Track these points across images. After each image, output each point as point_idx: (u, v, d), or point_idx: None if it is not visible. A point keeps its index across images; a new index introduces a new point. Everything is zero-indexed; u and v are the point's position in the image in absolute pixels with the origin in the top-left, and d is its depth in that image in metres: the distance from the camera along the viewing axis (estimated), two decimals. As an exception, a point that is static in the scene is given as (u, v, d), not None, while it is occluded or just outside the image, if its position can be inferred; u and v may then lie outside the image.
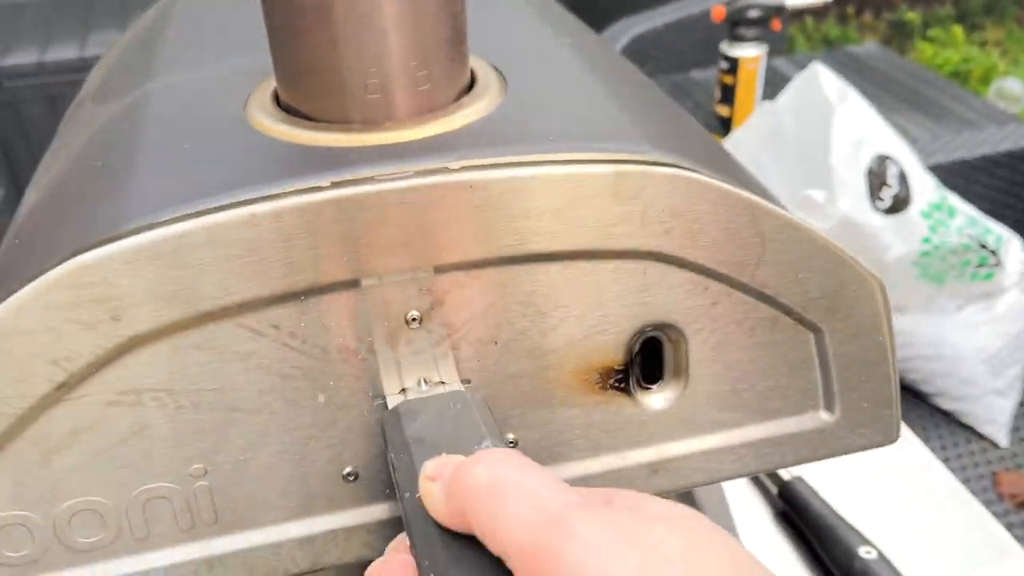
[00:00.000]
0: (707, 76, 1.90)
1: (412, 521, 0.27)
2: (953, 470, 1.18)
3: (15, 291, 0.28)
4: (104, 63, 0.57)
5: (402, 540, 0.29)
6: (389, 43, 0.34)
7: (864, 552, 0.61)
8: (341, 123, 0.35)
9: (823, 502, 0.66)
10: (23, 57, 1.74)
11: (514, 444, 0.35)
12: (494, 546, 0.24)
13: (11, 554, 0.30)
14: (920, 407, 1.28)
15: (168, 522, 0.32)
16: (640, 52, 1.97)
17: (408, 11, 0.34)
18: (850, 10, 3.77)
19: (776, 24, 1.49)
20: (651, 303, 0.34)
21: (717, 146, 0.44)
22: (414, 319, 0.32)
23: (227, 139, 0.36)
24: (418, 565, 0.26)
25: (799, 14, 1.52)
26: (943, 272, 1.21)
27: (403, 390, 0.33)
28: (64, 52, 1.76)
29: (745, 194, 0.33)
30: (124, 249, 0.28)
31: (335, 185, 0.29)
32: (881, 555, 0.61)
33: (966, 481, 1.17)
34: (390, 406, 0.32)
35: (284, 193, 0.29)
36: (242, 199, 0.29)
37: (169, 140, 0.37)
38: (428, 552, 0.26)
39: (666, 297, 0.34)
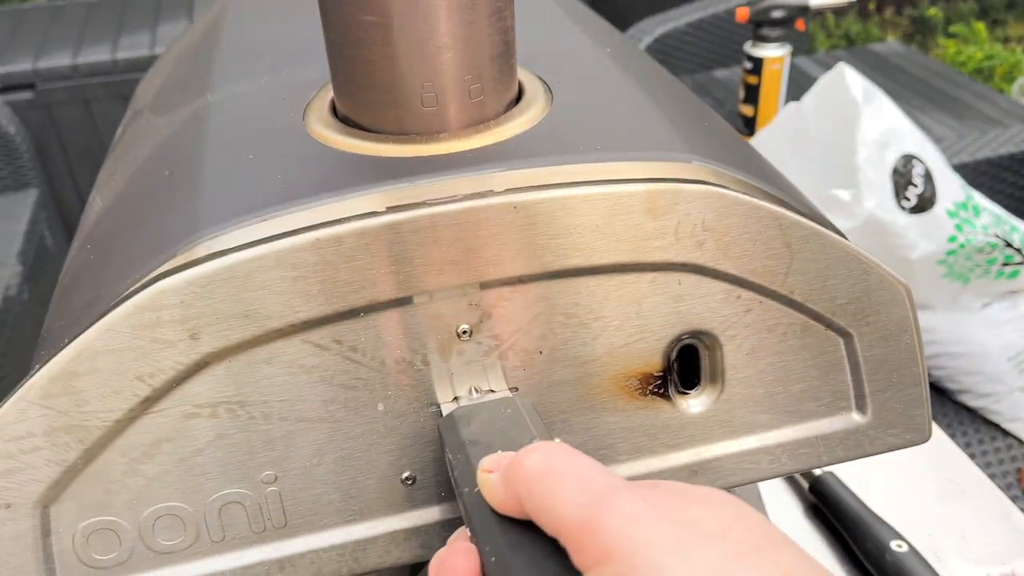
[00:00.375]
0: (730, 75, 1.90)
1: (472, 512, 0.29)
2: (978, 466, 1.19)
3: (103, 314, 0.30)
4: (156, 73, 0.59)
5: (462, 531, 0.31)
6: (444, 59, 0.36)
7: (895, 546, 0.62)
8: (397, 134, 0.37)
9: (854, 496, 0.67)
10: (57, 60, 1.77)
11: None
12: (548, 526, 0.26)
13: (100, 557, 0.33)
14: (945, 404, 1.28)
15: (242, 525, 0.34)
16: (663, 51, 1.98)
17: (463, 29, 0.35)
18: (871, 6, 3.75)
19: (800, 24, 1.50)
20: (686, 312, 0.36)
21: (751, 150, 0.45)
22: (464, 332, 0.34)
23: (288, 150, 0.38)
24: (479, 551, 0.28)
25: (821, 12, 1.53)
26: (969, 270, 1.22)
27: (455, 398, 0.35)
28: (97, 55, 1.79)
29: (772, 207, 0.35)
30: (201, 275, 0.30)
31: (390, 210, 0.32)
32: (912, 548, 0.62)
33: (991, 478, 1.18)
34: (444, 413, 0.34)
35: (344, 219, 0.31)
36: (306, 225, 0.31)
37: (233, 151, 0.39)
38: (488, 538, 0.28)
39: (701, 306, 0.36)
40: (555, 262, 0.34)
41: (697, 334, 0.37)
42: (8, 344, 1.34)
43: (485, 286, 0.33)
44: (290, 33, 0.51)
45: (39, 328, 0.38)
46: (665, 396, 0.37)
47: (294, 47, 0.48)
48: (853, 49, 2.00)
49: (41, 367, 0.30)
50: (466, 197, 0.32)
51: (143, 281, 0.30)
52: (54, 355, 0.30)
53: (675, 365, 0.37)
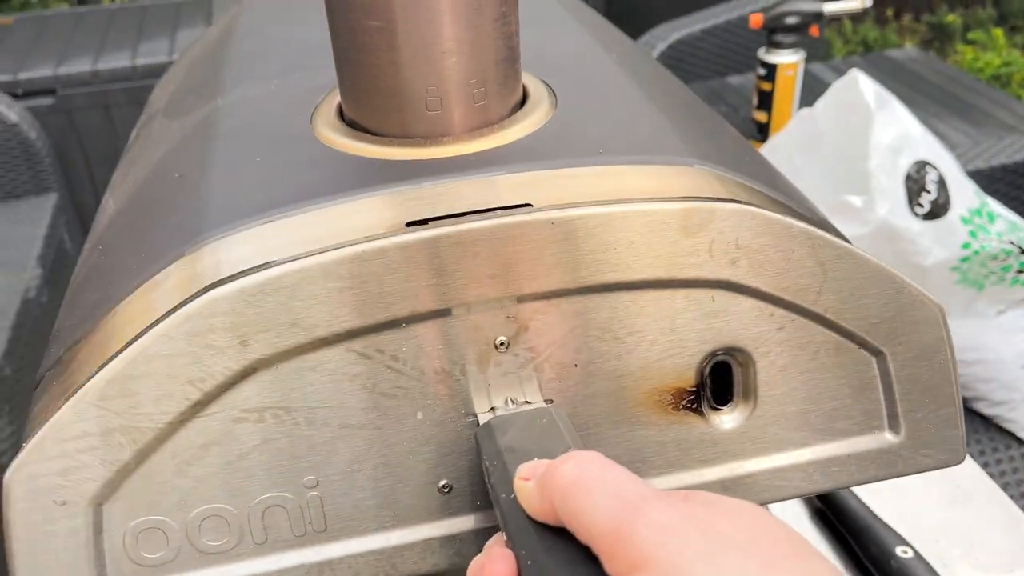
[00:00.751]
0: (744, 81, 1.90)
1: (508, 519, 0.30)
2: (992, 475, 1.18)
3: (159, 321, 0.31)
4: (170, 78, 0.60)
5: (499, 538, 0.32)
6: (448, 63, 0.36)
7: (901, 552, 0.61)
8: (402, 137, 0.38)
9: (860, 502, 0.67)
10: (78, 66, 1.80)
11: None
12: (581, 533, 0.27)
13: (148, 555, 0.34)
14: (959, 412, 1.28)
15: (284, 529, 0.35)
16: (678, 57, 1.98)
17: (467, 33, 0.36)
18: (889, 12, 3.73)
19: (814, 30, 1.50)
20: (720, 328, 0.36)
21: (756, 156, 0.45)
22: (502, 344, 0.35)
23: (295, 153, 0.39)
24: (516, 556, 0.29)
25: (836, 18, 1.52)
26: (983, 277, 1.21)
27: (492, 408, 0.36)
28: (117, 61, 1.81)
29: (804, 226, 0.35)
30: (251, 284, 0.31)
31: (431, 224, 0.33)
32: (917, 554, 0.62)
33: (1005, 486, 1.17)
34: (481, 423, 0.35)
35: (386, 233, 0.32)
36: (351, 239, 0.32)
37: (240, 154, 0.39)
38: (524, 544, 0.29)
39: (734, 323, 0.36)
40: (591, 277, 0.34)
41: (730, 350, 0.37)
42: (28, 346, 1.36)
43: (522, 300, 0.34)
44: (302, 37, 0.52)
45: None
46: (698, 411, 0.38)
47: (305, 51, 0.49)
48: (869, 55, 2.00)
49: (96, 372, 0.31)
50: (504, 212, 0.33)
51: (198, 290, 0.31)
52: (111, 359, 0.31)
53: (708, 381, 0.38)
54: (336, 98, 0.42)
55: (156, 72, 1.82)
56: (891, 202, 1.12)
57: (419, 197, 0.35)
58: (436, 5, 0.35)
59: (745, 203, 0.35)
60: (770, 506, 0.60)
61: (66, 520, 0.32)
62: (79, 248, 1.77)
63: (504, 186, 0.35)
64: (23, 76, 1.76)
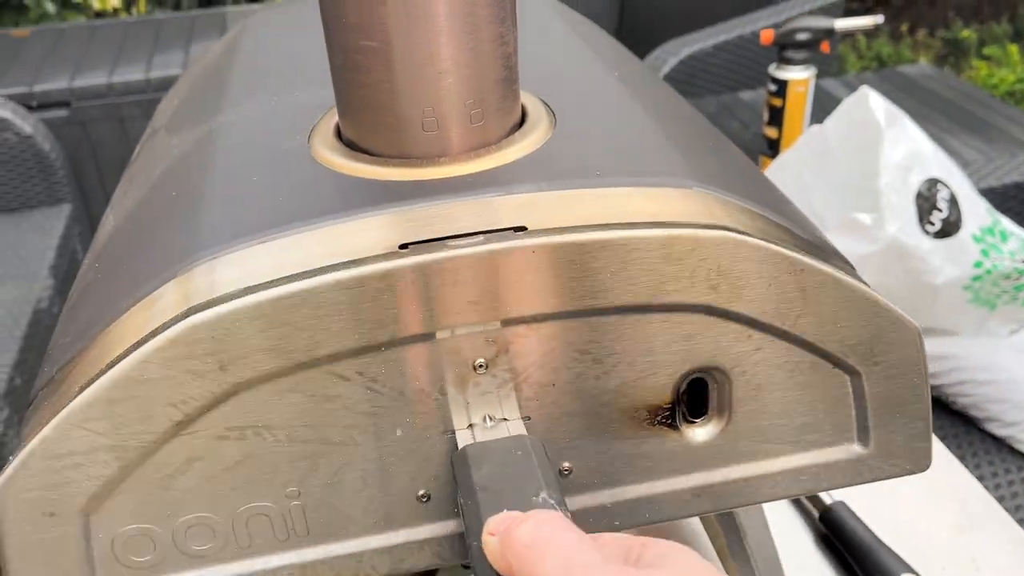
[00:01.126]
0: (755, 97, 1.90)
1: (476, 566, 0.31)
2: (1003, 497, 1.16)
3: (139, 346, 0.32)
4: (175, 93, 0.61)
5: None
6: (445, 84, 0.36)
7: (906, 578, 0.61)
8: (398, 157, 0.38)
9: (865, 527, 0.66)
10: (93, 78, 1.82)
11: (569, 472, 0.38)
12: None
13: (136, 559, 0.35)
14: (971, 433, 1.26)
15: (267, 534, 0.36)
16: (689, 72, 1.98)
17: (464, 54, 0.36)
18: (904, 27, 3.72)
19: (825, 47, 1.49)
20: (698, 350, 0.37)
21: (758, 176, 0.45)
22: (481, 365, 0.35)
23: (291, 172, 0.39)
24: None
25: (848, 34, 1.52)
26: (995, 296, 1.20)
27: (470, 425, 0.36)
28: (131, 74, 1.83)
29: (788, 252, 0.36)
30: (230, 311, 0.32)
31: (413, 252, 0.33)
32: (923, 581, 0.61)
33: (1017, 508, 1.15)
34: (458, 439, 0.36)
35: (367, 259, 0.33)
36: (331, 264, 0.33)
37: (237, 173, 0.39)
38: None
39: (712, 345, 0.37)
40: (572, 303, 0.35)
41: (707, 369, 0.37)
42: (38, 357, 1.36)
43: (504, 323, 0.35)
44: (303, 54, 0.52)
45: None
46: (673, 426, 0.38)
47: (306, 68, 0.50)
48: (882, 71, 1.99)
49: (79, 394, 0.32)
50: (487, 240, 0.33)
51: (175, 316, 0.32)
52: (92, 381, 0.32)
53: (684, 396, 0.38)
54: (334, 117, 0.42)
55: (169, 85, 1.84)
56: (901, 220, 1.11)
57: (412, 219, 0.35)
58: (432, 25, 0.35)
59: (733, 229, 0.35)
60: (772, 531, 0.59)
61: (55, 529, 0.33)
62: (91, 259, 1.78)
63: (499, 208, 0.35)
64: (38, 88, 1.78)
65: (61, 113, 1.79)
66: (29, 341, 1.34)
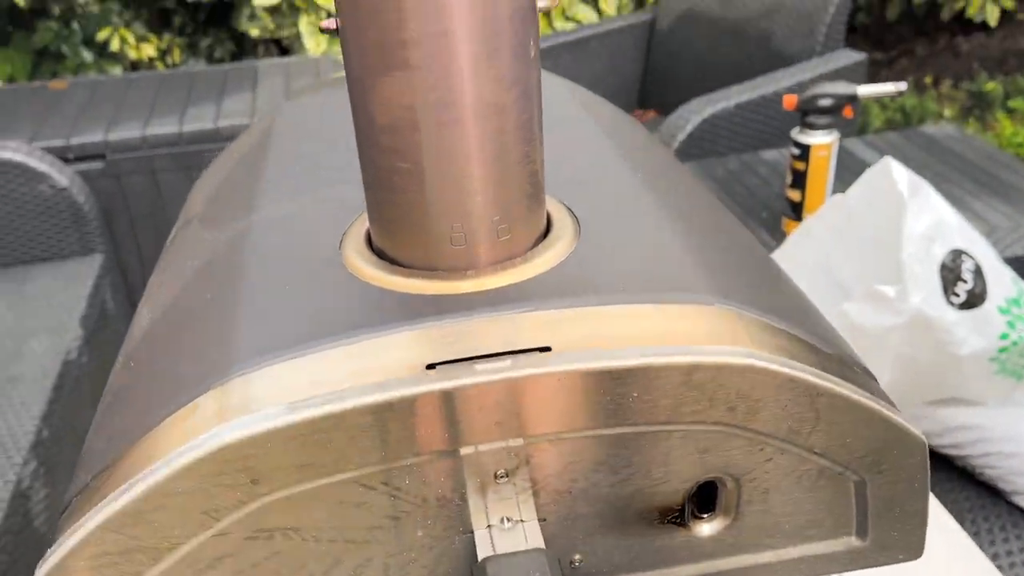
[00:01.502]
0: (777, 156, 1.91)
1: None
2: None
3: (173, 460, 0.34)
4: (208, 178, 0.63)
5: None
6: (474, 203, 0.37)
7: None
8: (426, 270, 0.39)
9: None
10: (128, 131, 1.86)
11: (580, 563, 0.40)
12: None
13: None
14: (998, 505, 1.24)
15: None
16: (712, 131, 2.00)
17: (493, 172, 0.37)
18: (928, 80, 3.73)
19: (848, 111, 1.50)
20: (711, 460, 0.38)
21: (784, 283, 0.46)
22: (502, 475, 0.37)
23: (323, 282, 0.40)
24: None
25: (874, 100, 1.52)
26: (1022, 367, 1.19)
27: (489, 526, 0.38)
28: (165, 127, 1.88)
29: (807, 378, 0.37)
30: (261, 432, 0.34)
31: (440, 374, 0.35)
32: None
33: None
34: (476, 539, 0.37)
35: (395, 381, 0.34)
36: (362, 386, 0.34)
37: (270, 281, 0.41)
38: None
39: (725, 456, 0.38)
40: (598, 422, 0.36)
41: (718, 477, 0.39)
42: (66, 407, 1.38)
43: (527, 440, 0.36)
44: (336, 148, 0.54)
45: (97, 392, 0.41)
46: (682, 524, 0.40)
47: (339, 165, 0.51)
48: (905, 131, 2.00)
49: (114, 503, 0.34)
50: (514, 366, 0.35)
51: (207, 435, 0.34)
52: (127, 492, 0.34)
53: (694, 497, 0.40)
54: (365, 223, 0.43)
55: (202, 138, 1.88)
56: (925, 292, 1.11)
57: (439, 336, 0.36)
58: (463, 150, 0.36)
59: (756, 355, 0.36)
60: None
61: None
62: (120, 309, 1.81)
63: (524, 326, 0.36)
64: (75, 141, 1.83)
65: (96, 165, 1.83)
66: (57, 393, 1.36)
